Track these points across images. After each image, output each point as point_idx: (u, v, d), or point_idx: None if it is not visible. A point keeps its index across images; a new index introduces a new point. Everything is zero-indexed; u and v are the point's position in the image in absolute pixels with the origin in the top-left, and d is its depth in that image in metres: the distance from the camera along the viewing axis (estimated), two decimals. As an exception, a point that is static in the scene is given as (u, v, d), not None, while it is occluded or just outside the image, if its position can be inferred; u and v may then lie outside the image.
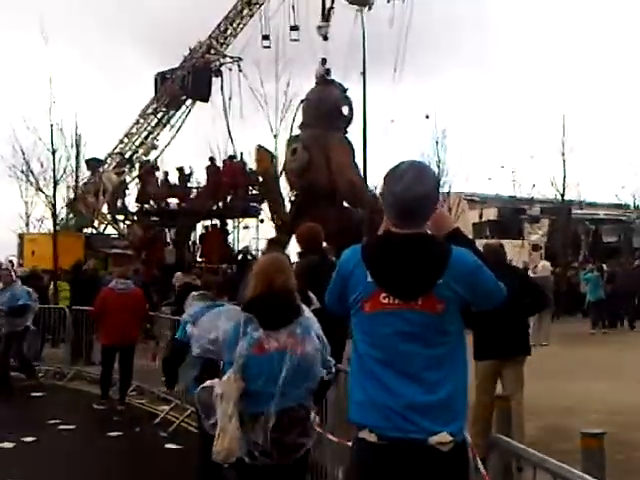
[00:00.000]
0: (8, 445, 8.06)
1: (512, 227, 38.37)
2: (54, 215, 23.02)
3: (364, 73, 25.72)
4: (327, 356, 4.34)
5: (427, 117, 31.50)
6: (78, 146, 29.76)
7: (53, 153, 21.74)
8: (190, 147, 30.67)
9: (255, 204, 29.18)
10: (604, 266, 24.22)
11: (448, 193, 30.43)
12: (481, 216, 39.08)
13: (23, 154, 24.52)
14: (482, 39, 67.21)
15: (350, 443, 3.06)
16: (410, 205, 2.88)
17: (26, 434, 8.39)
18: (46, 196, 23.10)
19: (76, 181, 27.42)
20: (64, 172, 24.08)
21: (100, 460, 7.76)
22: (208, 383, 4.32)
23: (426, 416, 2.77)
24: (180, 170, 28.55)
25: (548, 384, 10.70)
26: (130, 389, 10.83)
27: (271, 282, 4.18)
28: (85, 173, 29.88)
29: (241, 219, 30.48)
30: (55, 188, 22.53)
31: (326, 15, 29.78)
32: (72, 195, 28.93)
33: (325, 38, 29.24)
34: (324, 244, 7.27)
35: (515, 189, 37.07)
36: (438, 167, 31.04)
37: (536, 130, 52.39)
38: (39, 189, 24.00)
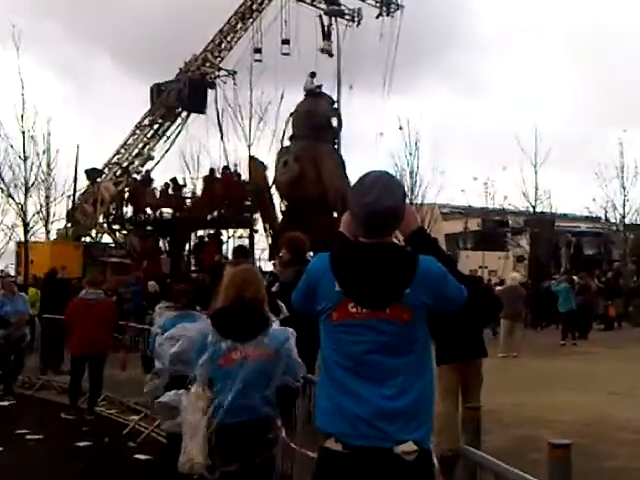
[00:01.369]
0: (-26, 456, 7.95)
1: (495, 238, 38.62)
2: (25, 222, 22.82)
3: (338, 84, 25.98)
4: (296, 368, 4.30)
5: (401, 128, 31.66)
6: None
7: (24, 160, 21.58)
8: (169, 160, 31.03)
9: (249, 214, 29.43)
10: (575, 278, 24.43)
11: (421, 204, 30.53)
12: (466, 228, 39.37)
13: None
14: (453, 52, 67.74)
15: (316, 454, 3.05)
16: (379, 217, 2.88)
17: (-7, 444, 8.27)
18: (17, 203, 22.90)
19: (48, 189, 27.24)
20: (35, 179, 23.91)
21: (68, 470, 7.66)
22: (168, 395, 4.34)
23: (392, 423, 2.77)
24: (174, 181, 28.85)
25: (518, 395, 10.77)
26: (99, 399, 10.72)
27: (240, 294, 4.16)
28: (58, 182, 29.87)
29: (235, 229, 30.86)
30: (26, 195, 22.37)
31: (327, 34, 30.58)
32: (44, 202, 28.91)
33: (330, 55, 30.07)
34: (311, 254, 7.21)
35: (488, 201, 37.25)
36: (412, 178, 31.18)
37: (508, 142, 52.64)
38: (10, 196, 23.77)
